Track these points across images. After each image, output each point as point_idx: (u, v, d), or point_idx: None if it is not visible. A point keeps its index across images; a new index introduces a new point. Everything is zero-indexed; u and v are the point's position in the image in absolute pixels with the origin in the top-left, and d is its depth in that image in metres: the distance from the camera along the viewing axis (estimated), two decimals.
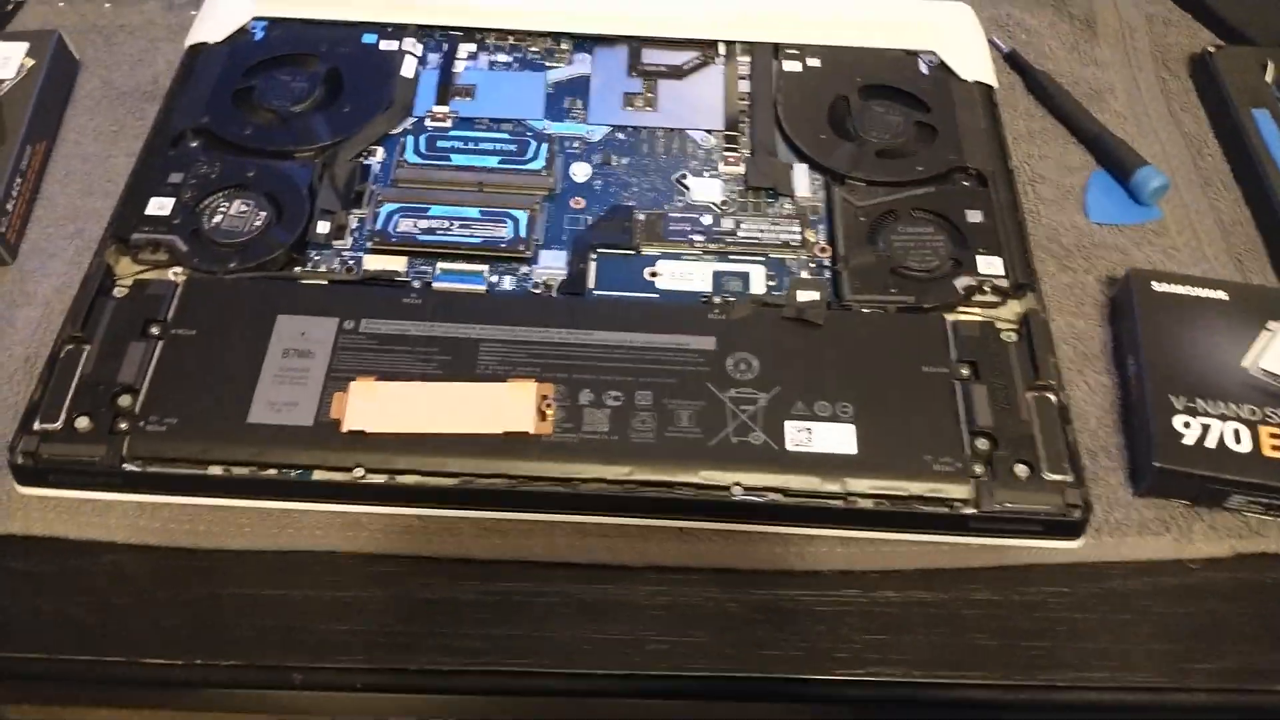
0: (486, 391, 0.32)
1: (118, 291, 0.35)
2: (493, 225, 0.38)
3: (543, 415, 0.32)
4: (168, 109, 0.42)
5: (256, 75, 0.42)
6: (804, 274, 0.37)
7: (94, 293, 0.35)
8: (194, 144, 0.40)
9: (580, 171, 0.40)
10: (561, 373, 0.33)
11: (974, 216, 0.38)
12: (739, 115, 0.42)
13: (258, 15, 0.44)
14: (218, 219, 0.37)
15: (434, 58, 0.44)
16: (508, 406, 0.32)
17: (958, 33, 0.45)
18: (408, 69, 0.43)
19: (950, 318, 0.35)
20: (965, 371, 0.34)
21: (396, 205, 0.38)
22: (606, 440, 0.32)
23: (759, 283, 0.37)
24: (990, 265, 0.37)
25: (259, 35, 0.44)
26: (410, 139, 0.41)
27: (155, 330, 0.34)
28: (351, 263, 0.37)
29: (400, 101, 0.42)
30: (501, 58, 0.44)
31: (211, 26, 0.44)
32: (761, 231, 0.38)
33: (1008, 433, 0.33)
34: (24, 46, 0.43)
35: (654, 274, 0.37)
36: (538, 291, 0.36)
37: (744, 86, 0.43)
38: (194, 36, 0.44)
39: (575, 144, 0.41)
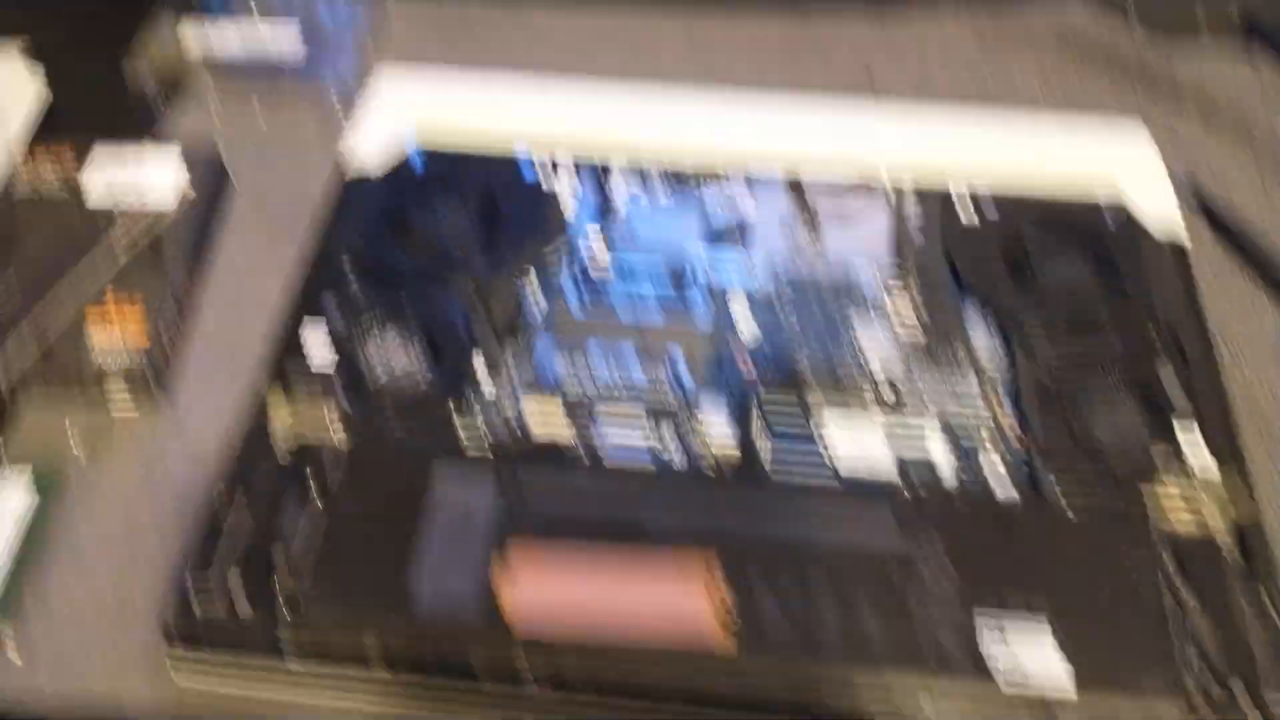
0: (662, 592, 0.31)
1: (275, 445, 0.34)
2: (653, 373, 0.36)
3: (723, 624, 0.30)
4: (322, 239, 0.41)
5: (412, 206, 0.41)
6: (990, 448, 0.35)
7: (248, 445, 0.34)
8: (349, 276, 0.39)
9: (743, 317, 0.38)
10: (738, 570, 0.31)
11: (1170, 387, 0.35)
12: (911, 264, 0.40)
13: (415, 144, 0.44)
14: (374, 359, 0.36)
15: (591, 188, 0.42)
16: (686, 611, 0.30)
17: (1137, 168, 0.42)
18: (565, 201, 0.42)
19: (1155, 511, 0.33)
20: (1175, 577, 0.31)
21: (553, 346, 0.37)
22: (789, 652, 0.30)
23: (939, 452, 0.34)
24: (1194, 446, 0.34)
25: (415, 165, 0.43)
26: (566, 274, 0.39)
27: (312, 492, 0.33)
28: (511, 417, 0.35)
29: (557, 234, 0.41)
30: (659, 190, 0.43)
31: (367, 154, 0.43)
32: (937, 392, 0.36)
33: (1222, 646, 0.30)
34: (181, 170, 0.42)
35: (826, 436, 0.35)
36: (708, 470, 0.34)
37: (915, 229, 0.41)
38: (349, 163, 0.43)
39: (737, 287, 0.39)
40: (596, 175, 0.43)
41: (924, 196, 0.42)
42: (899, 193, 0.42)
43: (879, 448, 0.35)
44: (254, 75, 0.48)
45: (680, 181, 0.43)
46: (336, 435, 0.35)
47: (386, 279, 0.39)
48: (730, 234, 0.41)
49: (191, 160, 0.43)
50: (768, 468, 0.34)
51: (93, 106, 0.47)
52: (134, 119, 0.47)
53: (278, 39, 0.48)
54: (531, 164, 0.43)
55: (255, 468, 0.34)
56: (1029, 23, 0.49)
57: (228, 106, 0.47)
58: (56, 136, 0.45)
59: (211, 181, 0.43)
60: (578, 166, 0.43)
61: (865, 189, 0.42)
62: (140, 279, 0.39)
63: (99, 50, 0.49)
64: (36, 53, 0.49)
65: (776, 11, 0.50)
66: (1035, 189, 0.41)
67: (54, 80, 0.48)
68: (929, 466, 0.34)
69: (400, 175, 0.43)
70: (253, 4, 0.50)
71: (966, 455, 0.34)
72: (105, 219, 0.41)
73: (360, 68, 0.48)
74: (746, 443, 0.35)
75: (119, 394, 0.37)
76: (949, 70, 0.48)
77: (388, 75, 0.46)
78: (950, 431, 0.35)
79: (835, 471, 0.34)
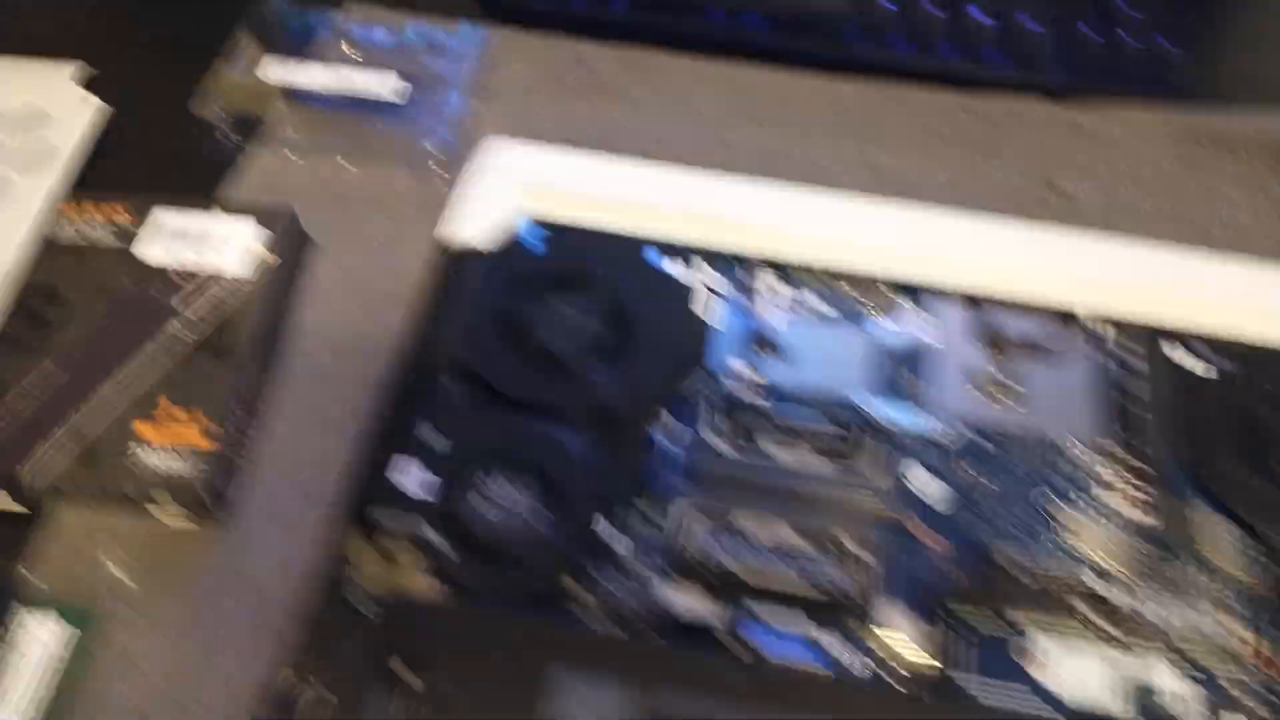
0: None
1: (356, 602, 0.28)
2: (816, 553, 0.30)
3: None
4: (422, 335, 0.34)
5: (526, 299, 0.35)
6: (1234, 676, 0.28)
7: (323, 607, 0.28)
8: (448, 386, 0.33)
9: (924, 485, 0.32)
10: None
11: None
12: (1123, 423, 0.33)
13: (526, 214, 0.37)
14: (478, 500, 0.30)
15: (737, 301, 0.36)
16: None
17: None
18: (703, 305, 0.35)
19: None
20: None
21: (692, 507, 0.31)
22: None
23: (1173, 680, 0.28)
24: None
25: (529, 243, 0.36)
26: (706, 409, 0.33)
27: (399, 669, 0.27)
28: (645, 589, 0.29)
29: (695, 352, 0.34)
30: (815, 302, 0.36)
31: (471, 224, 0.37)
32: (1172, 613, 0.29)
33: None
34: (256, 231, 0.36)
35: (1034, 660, 0.28)
36: (895, 682, 0.28)
37: (1124, 378, 0.34)
38: (450, 232, 0.37)
39: (914, 440, 0.32)
40: (742, 284, 0.36)
41: (1130, 336, 0.35)
42: (1100, 331, 0.35)
43: (1101, 671, 0.28)
44: (343, 123, 0.41)
45: (842, 301, 0.36)
46: (431, 594, 0.29)
47: (495, 397, 0.33)
48: (904, 371, 0.34)
49: (267, 221, 0.36)
50: (971, 687, 0.27)
51: (155, 150, 0.41)
52: (203, 169, 0.40)
53: (372, 81, 0.42)
54: (665, 262, 0.36)
55: (331, 637, 0.27)
56: (1234, 128, 0.42)
57: (311, 159, 0.41)
58: (111, 183, 0.39)
59: (289, 247, 0.36)
60: (720, 271, 0.36)
61: (1060, 322, 0.35)
62: (202, 371, 0.32)
63: (164, 86, 0.42)
64: (92, 83, 0.43)
65: (946, 99, 0.43)
66: (1269, 339, 0.35)
67: (113, 119, 0.42)
68: (1164, 697, 0.28)
69: (513, 256, 0.36)
70: (344, 41, 0.44)
71: (1208, 684, 0.28)
72: (164, 286, 0.34)
73: (464, 124, 0.42)
74: (940, 650, 0.28)
75: (170, 510, 0.31)
76: (1141, 181, 0.41)
77: (498, 140, 0.40)
78: (1184, 655, 0.28)
79: (1057, 701, 0.27)
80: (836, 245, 0.37)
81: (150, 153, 0.41)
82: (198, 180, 0.40)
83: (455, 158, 0.41)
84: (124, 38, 0.45)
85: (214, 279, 0.34)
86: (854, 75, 0.44)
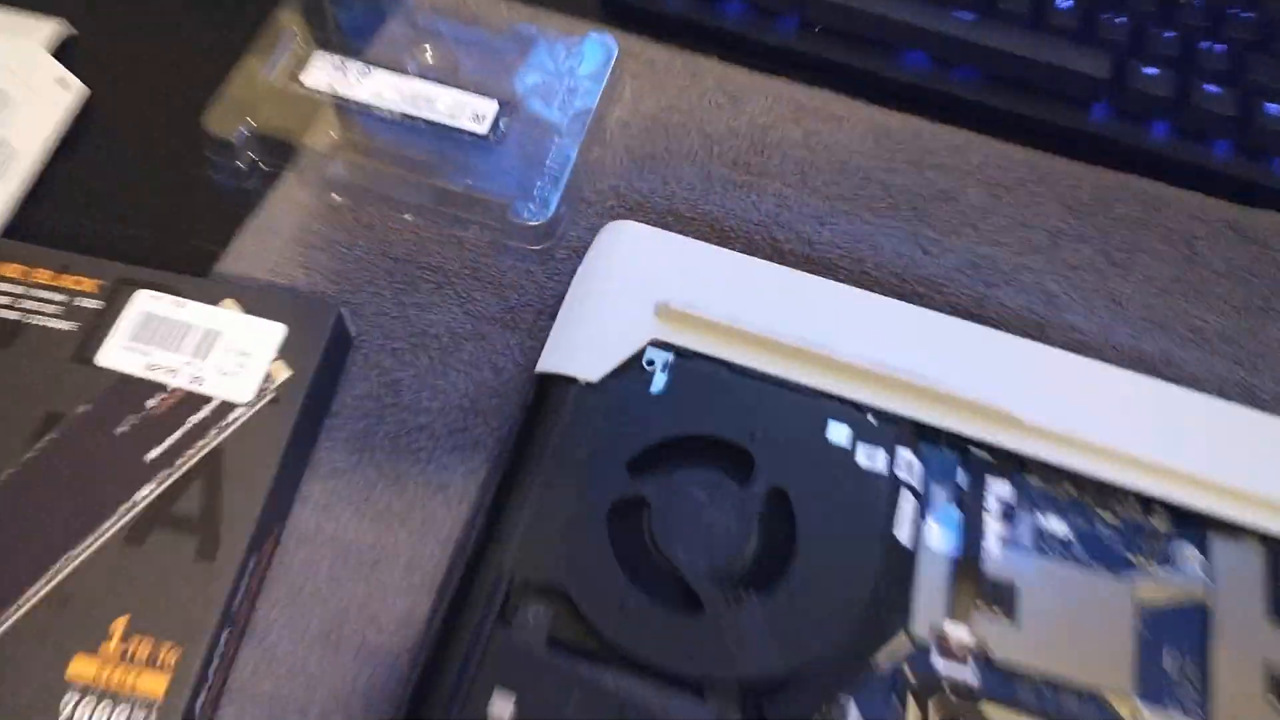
0: None
1: None
2: None
3: None
4: (487, 519, 0.24)
5: (644, 469, 0.24)
6: None
7: None
8: (525, 614, 0.22)
9: None
10: None
11: None
12: None
13: (659, 340, 0.26)
14: None
15: (949, 504, 0.25)
16: None
17: None
18: (908, 521, 0.25)
19: None
20: None
21: None
22: None
23: None
24: None
25: (654, 381, 0.26)
26: (910, 697, 0.22)
27: None
28: None
29: (894, 601, 0.24)
30: (1052, 524, 0.25)
31: (578, 348, 0.26)
32: None
33: None
34: (280, 338, 0.25)
35: None
36: None
37: None
38: (552, 358, 0.26)
39: None
40: (963, 491, 0.25)
41: None
42: None
43: None
44: (413, 159, 0.30)
45: (1080, 496, 0.25)
46: None
47: (590, 637, 0.22)
48: (1185, 661, 0.24)
49: (298, 320, 0.25)
50: None
51: (146, 169, 0.30)
52: (210, 210, 0.29)
53: (457, 105, 0.31)
54: (845, 434, 0.26)
55: None
56: None
57: (364, 206, 0.30)
58: (75, 213, 0.28)
59: (324, 368, 0.25)
60: (930, 462, 0.26)
61: None
62: (180, 574, 0.22)
63: (169, 79, 0.31)
64: (70, 50, 0.31)
65: (1217, 211, 0.32)
66: None
67: (93, 110, 0.30)
68: None
69: (632, 401, 0.25)
70: (425, 41, 0.32)
71: None
72: (136, 421, 0.24)
73: (576, 182, 0.31)
74: None
75: None
76: None
77: (624, 227, 0.29)
78: None
79: None
80: (1084, 444, 0.26)
81: (138, 172, 0.30)
82: (201, 224, 0.29)
83: (560, 231, 0.30)
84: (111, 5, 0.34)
85: (210, 415, 0.24)
86: (1096, 162, 0.33)
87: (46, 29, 0.32)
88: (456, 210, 0.30)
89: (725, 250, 0.28)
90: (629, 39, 0.34)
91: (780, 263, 0.29)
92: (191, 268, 0.28)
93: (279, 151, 0.30)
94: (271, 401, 0.24)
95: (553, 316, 0.28)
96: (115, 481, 0.22)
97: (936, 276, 0.31)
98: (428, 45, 0.32)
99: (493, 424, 0.27)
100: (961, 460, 0.26)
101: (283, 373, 0.24)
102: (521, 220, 0.29)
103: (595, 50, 0.32)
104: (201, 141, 0.30)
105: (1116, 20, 0.34)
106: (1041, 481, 0.26)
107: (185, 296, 0.25)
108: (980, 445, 0.26)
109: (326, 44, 0.31)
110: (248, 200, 0.30)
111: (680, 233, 0.30)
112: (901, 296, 0.30)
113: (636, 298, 0.27)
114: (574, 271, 0.28)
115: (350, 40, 0.32)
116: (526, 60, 0.32)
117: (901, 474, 0.25)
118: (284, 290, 0.26)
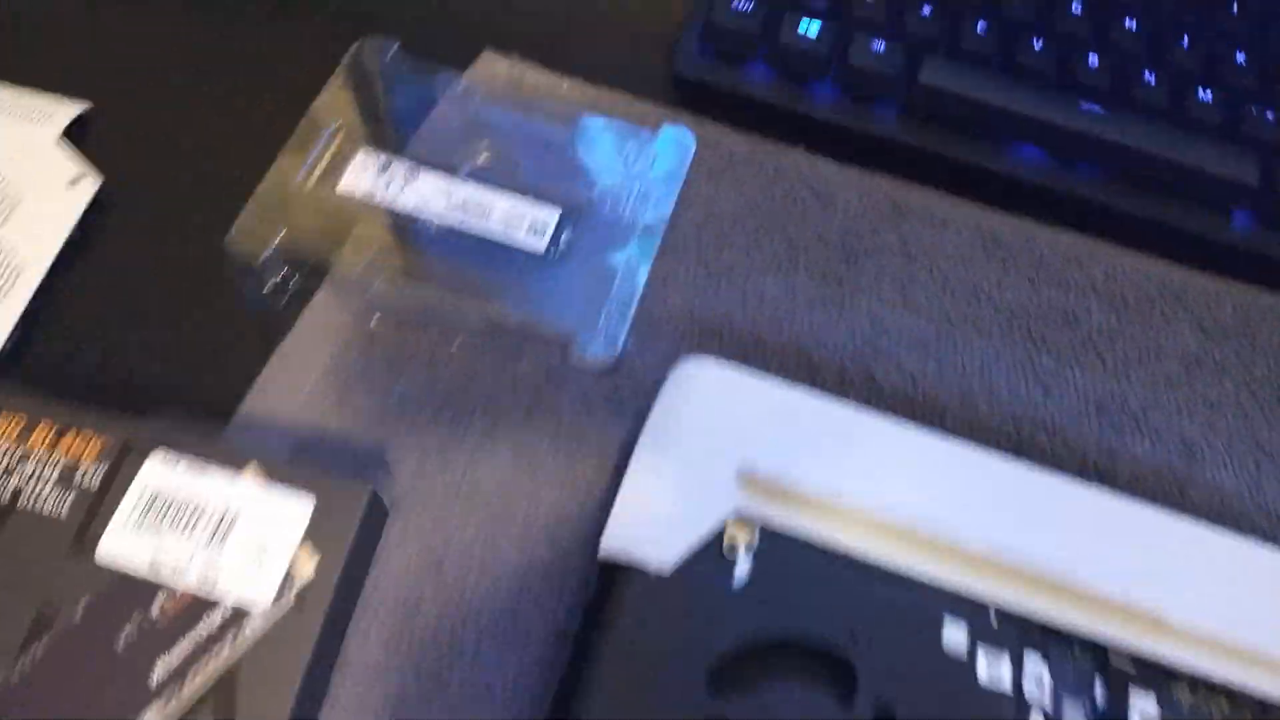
0: None
1: None
2: None
3: None
4: None
5: (730, 684, 0.21)
6: None
7: None
8: None
9: None
10: None
11: None
12: None
13: (742, 514, 0.23)
14: None
15: (1070, 708, 0.21)
16: None
17: None
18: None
19: None
20: None
21: None
22: None
23: None
24: None
25: (738, 568, 0.22)
26: None
27: None
28: None
29: None
30: None
31: (649, 526, 0.23)
32: None
33: None
34: (308, 517, 0.22)
35: None
36: None
37: None
38: (617, 539, 0.23)
39: None
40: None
41: None
42: None
43: None
44: (465, 277, 0.26)
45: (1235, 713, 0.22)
46: None
47: None
48: None
49: (327, 499, 0.22)
50: None
51: (159, 281, 0.27)
52: (233, 341, 0.26)
53: (513, 214, 0.27)
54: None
55: None
56: None
57: (406, 331, 0.26)
58: (74, 336, 0.25)
59: (355, 530, 0.22)
60: (1062, 676, 0.22)
61: None
62: None
63: (195, 208, 0.28)
64: (91, 132, 0.28)
65: None
66: None
67: (107, 208, 0.27)
68: None
69: (712, 592, 0.22)
70: (481, 134, 0.29)
71: None
72: (141, 625, 0.20)
73: (647, 307, 0.27)
74: None
75: None
76: None
77: (696, 367, 0.25)
78: None
79: None
80: (1244, 652, 0.22)
81: (153, 286, 0.27)
82: (224, 350, 0.26)
83: (627, 370, 0.26)
84: (136, 82, 0.30)
85: (223, 624, 0.20)
86: (1238, 277, 0.29)
87: (64, 114, 0.29)
88: (510, 339, 0.26)
89: (817, 397, 0.25)
90: (703, 125, 0.31)
91: (879, 402, 0.25)
92: (211, 405, 0.24)
93: (313, 267, 0.27)
94: (295, 606, 0.20)
95: (617, 473, 0.24)
96: (115, 705, 0.19)
97: (1059, 421, 0.27)
98: (484, 140, 0.28)
99: (547, 608, 0.23)
100: (1099, 670, 0.22)
101: (307, 564, 0.21)
102: (584, 357, 0.25)
103: (670, 148, 0.28)
104: (226, 253, 0.26)
105: (1267, 116, 0.29)
106: (1192, 696, 0.22)
107: (202, 458, 0.21)
108: (1121, 652, 0.22)
109: (371, 138, 0.28)
110: (278, 322, 0.26)
111: (764, 364, 0.27)
112: (1020, 448, 0.26)
113: (716, 458, 0.23)
114: (641, 413, 0.25)
115: (397, 132, 0.28)
116: (593, 158, 0.28)
117: (1030, 689, 0.21)
118: (313, 466, 0.23)
